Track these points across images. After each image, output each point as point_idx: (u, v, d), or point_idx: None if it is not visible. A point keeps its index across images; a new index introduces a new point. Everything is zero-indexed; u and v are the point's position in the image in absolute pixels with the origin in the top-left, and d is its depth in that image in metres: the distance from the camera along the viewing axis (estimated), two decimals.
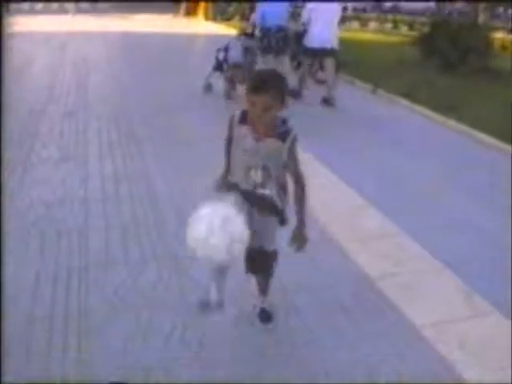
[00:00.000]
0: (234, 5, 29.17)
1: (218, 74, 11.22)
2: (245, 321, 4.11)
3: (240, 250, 3.32)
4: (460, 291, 4.59)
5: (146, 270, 4.74)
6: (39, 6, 40.38)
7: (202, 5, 29.44)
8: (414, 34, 19.82)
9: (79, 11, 33.93)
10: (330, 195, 6.41)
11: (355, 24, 28.16)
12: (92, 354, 3.74)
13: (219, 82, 11.26)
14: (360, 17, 30.03)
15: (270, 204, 3.61)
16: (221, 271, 3.89)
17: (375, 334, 4.05)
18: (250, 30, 12.05)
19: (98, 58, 16.31)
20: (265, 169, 3.48)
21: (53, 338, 3.90)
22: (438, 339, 3.98)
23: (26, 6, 40.28)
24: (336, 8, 10.85)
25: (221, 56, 11.05)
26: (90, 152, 7.72)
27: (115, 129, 8.88)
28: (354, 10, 35.73)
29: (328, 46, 10.78)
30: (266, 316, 4.11)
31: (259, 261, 3.83)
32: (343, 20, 14.76)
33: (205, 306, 3.95)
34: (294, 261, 4.75)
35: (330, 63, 10.97)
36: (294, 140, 3.46)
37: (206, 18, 28.53)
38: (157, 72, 14.24)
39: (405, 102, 11.15)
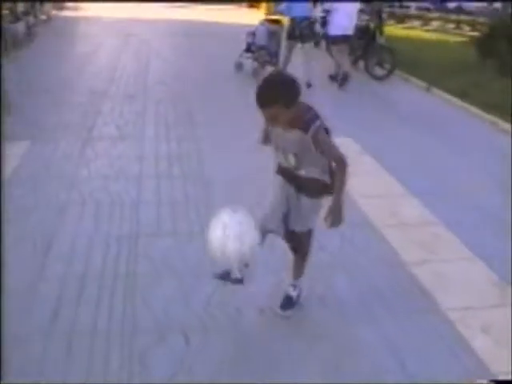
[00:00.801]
0: None
1: (248, 54, 12.82)
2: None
3: (251, 256, 3.56)
4: (491, 282, 4.74)
5: (193, 243, 5.03)
6: None
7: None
8: (476, 34, 19.65)
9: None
10: (373, 183, 6.61)
11: (417, 23, 27.96)
12: (135, 312, 4.07)
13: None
14: (422, 16, 29.78)
15: (308, 183, 3.82)
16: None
17: (403, 314, 4.25)
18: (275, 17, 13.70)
19: (159, 45, 16.77)
20: (296, 155, 3.68)
21: (101, 296, 4.24)
22: (463, 323, 4.16)
23: None
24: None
25: (249, 39, 12.77)
26: (147, 132, 8.10)
27: (172, 111, 9.23)
28: (418, 9, 35.36)
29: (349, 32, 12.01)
30: (287, 303, 4.23)
31: (293, 242, 4.08)
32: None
33: (225, 277, 3.97)
34: (333, 240, 5.03)
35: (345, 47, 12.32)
36: (318, 129, 3.57)
37: (268, 11, 28.73)
38: (210, 58, 14.60)
39: (457, 101, 11.18)
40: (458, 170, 7.33)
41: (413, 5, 33.92)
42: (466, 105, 10.91)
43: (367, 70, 13.47)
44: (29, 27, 16.88)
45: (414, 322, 4.18)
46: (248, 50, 12.85)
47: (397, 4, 31.77)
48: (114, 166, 6.77)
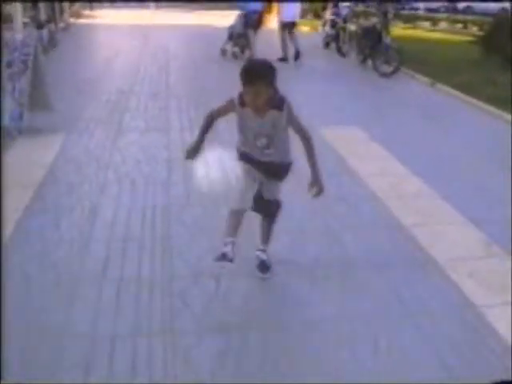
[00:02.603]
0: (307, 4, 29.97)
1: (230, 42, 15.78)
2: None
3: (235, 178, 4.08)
4: (479, 240, 5.42)
5: (220, 211, 5.74)
6: (120, 1, 42.28)
7: (276, 4, 30.33)
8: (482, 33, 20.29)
9: (159, 6, 35.43)
10: (379, 165, 7.31)
11: (426, 24, 28.61)
12: (172, 263, 4.80)
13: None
14: (431, 17, 30.42)
15: (273, 167, 4.42)
16: (234, 228, 4.41)
17: (401, 265, 4.95)
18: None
19: (177, 48, 17.68)
20: (268, 136, 4.27)
21: (142, 253, 4.99)
22: (452, 270, 4.85)
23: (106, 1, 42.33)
24: None
25: (230, 30, 15.79)
26: (171, 125, 8.87)
27: (193, 108, 9.99)
28: (427, 10, 35.85)
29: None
30: (264, 267, 4.70)
31: (268, 208, 4.64)
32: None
33: (221, 259, 4.30)
34: (341, 208, 5.76)
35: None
36: (290, 105, 4.16)
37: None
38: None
39: (460, 94, 11.84)
40: (459, 154, 7.97)
41: (421, 6, 34.49)
42: (468, 98, 11.55)
43: (375, 67, 14.20)
44: (51, 34, 17.73)
45: (413, 270, 4.87)
46: (230, 38, 15.79)
47: (406, 6, 32.41)
48: (145, 152, 7.54)
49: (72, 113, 9.39)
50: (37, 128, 8.31)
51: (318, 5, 26.92)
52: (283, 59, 15.25)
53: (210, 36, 20.36)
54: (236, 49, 15.69)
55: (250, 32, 15.34)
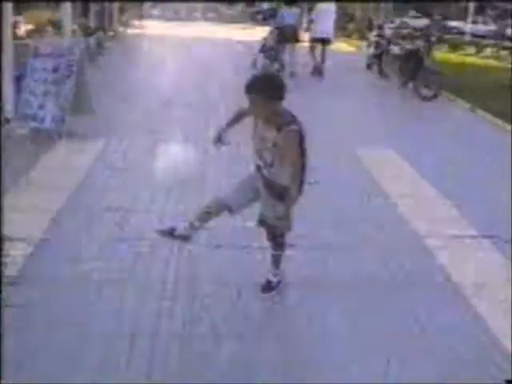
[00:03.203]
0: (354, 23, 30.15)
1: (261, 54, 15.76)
2: None
3: None
4: (504, 266, 5.44)
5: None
6: (169, 12, 42.99)
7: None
8: None
9: (206, 19, 35.89)
10: (411, 189, 7.41)
11: (471, 49, 28.40)
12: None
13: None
14: (477, 42, 30.19)
15: (270, 184, 4.47)
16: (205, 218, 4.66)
17: (422, 286, 5.00)
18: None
19: (218, 61, 17.90)
20: (271, 151, 4.33)
21: (169, 261, 5.12)
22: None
23: (156, 11, 43.05)
24: None
25: (263, 43, 16.00)
26: (207, 135, 9.04)
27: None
28: (474, 35, 35.53)
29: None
30: (265, 286, 4.73)
31: (269, 229, 4.67)
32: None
33: (167, 234, 4.69)
34: (367, 226, 5.86)
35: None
36: (290, 132, 4.20)
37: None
38: None
39: (500, 121, 11.79)
40: (493, 182, 7.84)
41: (468, 30, 34.15)
42: (508, 126, 11.47)
43: (415, 91, 14.21)
44: (99, 42, 18.12)
45: (433, 293, 4.92)
46: (262, 50, 15.92)
47: (453, 30, 32.23)
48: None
49: (113, 119, 9.64)
50: (77, 132, 8.56)
51: (364, 25, 27.02)
52: (315, 73, 16.22)
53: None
54: (266, 61, 15.98)
55: (284, 46, 15.98)
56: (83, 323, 4.13)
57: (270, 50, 16.05)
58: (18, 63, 9.44)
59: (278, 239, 4.68)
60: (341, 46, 24.71)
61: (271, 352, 3.96)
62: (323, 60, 16.55)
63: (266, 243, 4.81)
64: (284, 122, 4.24)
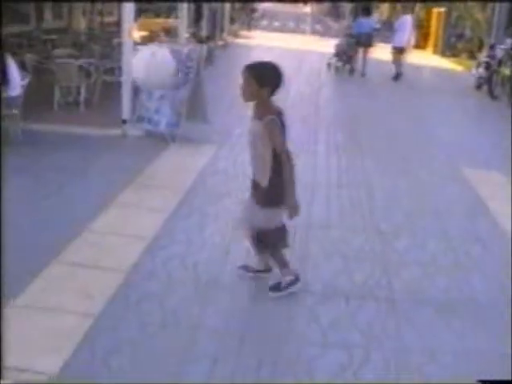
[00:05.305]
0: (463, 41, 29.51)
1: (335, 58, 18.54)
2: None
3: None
4: None
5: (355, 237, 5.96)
6: (277, 23, 43.51)
7: (432, 38, 30.10)
8: None
9: (313, 32, 36.07)
10: None
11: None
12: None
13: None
14: None
15: (253, 183, 4.56)
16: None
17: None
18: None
19: (328, 75, 17.96)
20: (252, 145, 4.42)
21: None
22: None
23: (265, 21, 43.67)
24: None
25: (336, 48, 18.62)
26: (319, 148, 9.16)
27: (341, 133, 10.24)
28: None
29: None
30: (272, 286, 4.77)
31: (259, 241, 4.71)
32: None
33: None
34: (474, 246, 5.79)
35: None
36: (272, 120, 4.26)
37: (435, 51, 29.14)
38: (381, 94, 15.52)
39: None
40: None
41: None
42: None
43: (490, 93, 14.89)
44: (210, 50, 18.58)
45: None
46: (336, 54, 18.45)
47: None
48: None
49: (225, 127, 9.89)
50: (191, 137, 8.84)
51: (474, 45, 26.42)
52: (396, 77, 17.91)
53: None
54: (339, 63, 18.49)
55: (357, 51, 18.27)
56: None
57: (342, 54, 18.43)
58: None
59: (260, 245, 4.74)
60: (449, 64, 24.32)
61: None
62: (400, 66, 18.10)
63: None
64: (268, 113, 4.31)
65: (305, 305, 4.67)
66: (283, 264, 4.76)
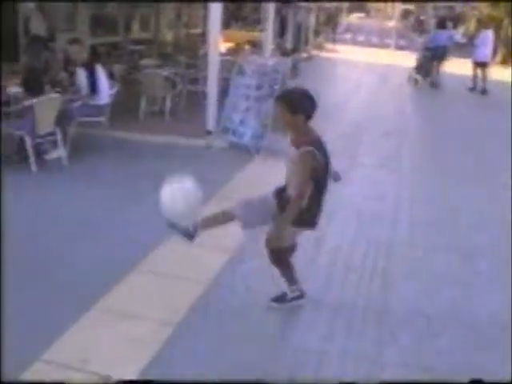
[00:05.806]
0: None
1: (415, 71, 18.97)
2: None
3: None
4: None
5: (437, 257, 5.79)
6: (361, 38, 43.23)
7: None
8: None
9: (397, 47, 35.61)
10: None
11: None
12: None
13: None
14: None
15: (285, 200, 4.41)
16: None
17: None
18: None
19: (408, 87, 17.66)
20: (289, 169, 4.34)
21: (359, 287, 5.08)
22: None
23: (349, 35, 43.49)
24: None
25: (416, 63, 19.21)
26: (402, 164, 8.91)
27: (423, 151, 10.00)
28: None
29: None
30: (277, 297, 4.70)
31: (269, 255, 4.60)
32: None
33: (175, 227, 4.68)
34: None
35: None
36: (307, 153, 4.12)
37: None
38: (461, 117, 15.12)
39: None
40: None
41: None
42: None
43: None
44: (295, 63, 18.53)
45: None
46: (415, 68, 19.11)
47: None
48: (374, 188, 7.64)
49: None
50: (276, 149, 8.72)
51: None
52: (472, 89, 18.18)
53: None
54: (418, 76, 18.98)
55: (434, 63, 18.58)
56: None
57: (421, 68, 19.01)
58: (221, 79, 9.85)
59: (278, 262, 4.61)
60: None
61: None
62: (484, 80, 18.01)
63: None
64: (305, 141, 4.19)
65: None
66: (293, 282, 4.70)
